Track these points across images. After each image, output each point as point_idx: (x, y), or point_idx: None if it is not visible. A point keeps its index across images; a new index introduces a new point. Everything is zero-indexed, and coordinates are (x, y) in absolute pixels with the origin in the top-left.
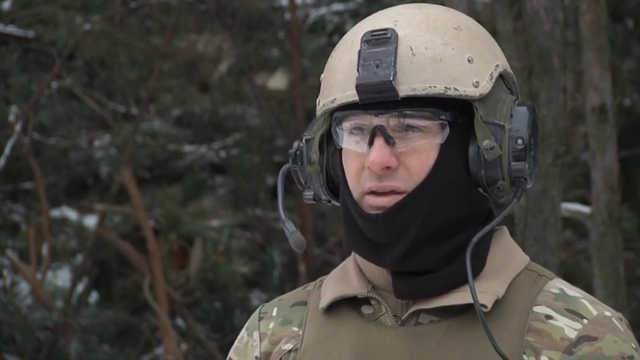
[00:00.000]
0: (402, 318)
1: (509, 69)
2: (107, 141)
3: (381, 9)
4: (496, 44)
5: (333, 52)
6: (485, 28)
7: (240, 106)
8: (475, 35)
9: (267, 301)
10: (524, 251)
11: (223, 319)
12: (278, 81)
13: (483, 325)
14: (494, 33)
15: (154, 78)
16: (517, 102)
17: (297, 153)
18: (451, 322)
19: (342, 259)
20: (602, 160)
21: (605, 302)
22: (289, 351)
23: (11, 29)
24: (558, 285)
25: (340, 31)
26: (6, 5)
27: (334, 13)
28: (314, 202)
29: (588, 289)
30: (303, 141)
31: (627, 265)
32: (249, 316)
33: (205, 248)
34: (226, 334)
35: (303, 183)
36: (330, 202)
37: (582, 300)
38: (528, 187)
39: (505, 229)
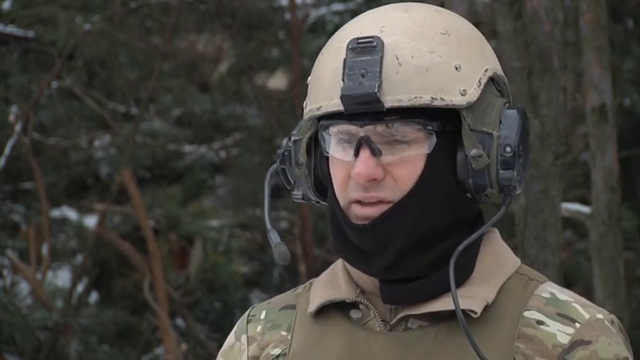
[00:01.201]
0: (391, 323)
1: (499, 71)
2: (107, 141)
3: None
4: (487, 46)
5: (319, 56)
6: (485, 28)
7: (240, 106)
8: (464, 39)
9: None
10: (524, 251)
11: (223, 319)
12: (278, 81)
13: (465, 333)
14: (494, 33)
15: (154, 78)
16: (507, 105)
17: (285, 153)
18: (440, 327)
19: None
20: (602, 160)
21: (605, 302)
22: (277, 356)
23: (11, 29)
24: (549, 289)
25: None
26: (6, 5)
27: (334, 13)
28: (302, 202)
29: (588, 289)
30: (291, 141)
31: (627, 265)
32: None
33: (205, 248)
34: (226, 334)
35: (292, 182)
36: (319, 202)
37: (574, 304)
38: (517, 193)
39: (496, 231)
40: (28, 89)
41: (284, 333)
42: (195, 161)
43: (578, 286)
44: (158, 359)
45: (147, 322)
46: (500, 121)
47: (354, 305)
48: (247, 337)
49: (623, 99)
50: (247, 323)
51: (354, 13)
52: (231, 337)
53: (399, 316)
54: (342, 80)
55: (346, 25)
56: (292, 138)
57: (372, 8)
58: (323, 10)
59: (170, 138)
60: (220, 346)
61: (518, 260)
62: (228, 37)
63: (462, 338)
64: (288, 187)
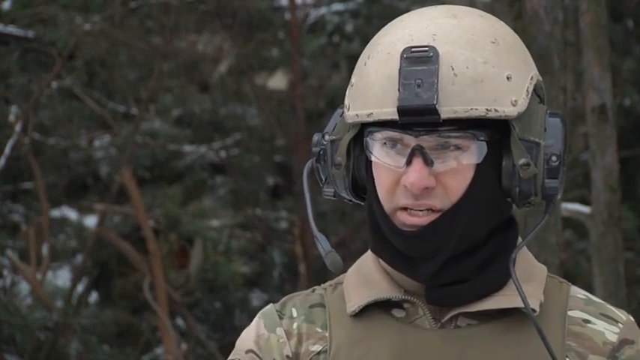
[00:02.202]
0: (442, 321)
1: (539, 76)
2: (107, 141)
3: (381, 10)
4: (527, 51)
5: (366, 60)
6: None
7: (240, 106)
8: (511, 48)
9: (267, 302)
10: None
11: (223, 319)
12: (278, 81)
13: (538, 330)
14: None
15: (154, 78)
16: (548, 112)
17: (321, 152)
18: (493, 325)
19: (342, 259)
20: (602, 160)
21: (605, 302)
22: (318, 353)
23: (11, 29)
24: (580, 291)
25: (340, 31)
26: (6, 5)
27: (334, 13)
28: (333, 199)
29: (588, 289)
30: (327, 140)
31: (627, 265)
32: (249, 316)
33: (205, 248)
34: (226, 334)
35: (323, 179)
36: (351, 201)
37: (608, 305)
38: (558, 198)
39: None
40: (28, 89)
41: (319, 330)
42: (195, 161)
43: (578, 286)
44: (158, 359)
45: (147, 322)
46: (545, 129)
47: (396, 304)
48: (284, 330)
49: (623, 99)
50: (280, 319)
51: (354, 13)
52: (260, 330)
53: (450, 314)
54: (398, 90)
55: (390, 30)
56: (327, 137)
57: (372, 9)
58: (323, 10)
59: (170, 138)
60: (221, 346)
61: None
62: (228, 37)
63: (519, 335)
64: (320, 184)
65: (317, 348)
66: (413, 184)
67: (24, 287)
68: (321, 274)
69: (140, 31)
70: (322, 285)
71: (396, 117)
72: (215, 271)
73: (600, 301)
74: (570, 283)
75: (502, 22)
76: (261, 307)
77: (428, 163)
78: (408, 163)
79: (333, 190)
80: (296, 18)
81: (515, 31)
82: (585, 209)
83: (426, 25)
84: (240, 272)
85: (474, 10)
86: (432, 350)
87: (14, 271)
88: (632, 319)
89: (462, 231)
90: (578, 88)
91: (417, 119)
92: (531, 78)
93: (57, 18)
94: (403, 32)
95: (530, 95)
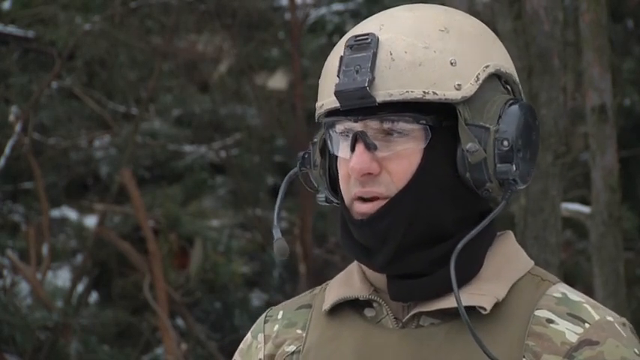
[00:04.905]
0: (403, 320)
1: (505, 68)
2: (107, 141)
3: (381, 9)
4: (495, 45)
5: (328, 57)
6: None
7: (240, 106)
8: (465, 36)
9: (267, 301)
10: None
11: (223, 319)
12: (278, 81)
13: (469, 328)
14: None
15: (154, 78)
16: (510, 102)
17: (306, 156)
18: (452, 324)
19: (343, 259)
20: (602, 160)
21: (605, 302)
22: (292, 353)
23: (11, 29)
24: (561, 289)
25: (340, 31)
26: (6, 5)
27: (334, 13)
28: (327, 204)
29: (588, 289)
30: (311, 144)
31: (627, 265)
32: (249, 316)
33: (205, 248)
34: (226, 334)
35: (315, 185)
36: (339, 204)
37: (585, 304)
38: (520, 188)
39: (510, 233)
40: (28, 89)
41: (299, 331)
42: (195, 161)
43: (578, 286)
44: (158, 359)
45: (147, 322)
46: (500, 117)
47: (369, 304)
48: (264, 335)
49: (623, 99)
50: (265, 323)
51: (354, 13)
52: (248, 337)
53: (410, 314)
54: (338, 77)
55: (355, 27)
56: (313, 141)
57: (371, 8)
58: (323, 10)
59: (170, 138)
60: (221, 346)
61: (532, 262)
62: (228, 37)
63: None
64: (311, 191)
65: (292, 348)
66: (353, 169)
67: (24, 287)
68: (321, 275)
69: (140, 31)
70: (326, 282)
71: (338, 104)
72: (215, 271)
73: (579, 299)
74: (554, 282)
75: (473, 18)
76: (261, 307)
77: (370, 148)
78: (352, 149)
79: (324, 195)
80: (296, 18)
81: (515, 31)
82: (585, 209)
83: (381, 18)
84: (240, 272)
85: (442, 6)
86: (390, 350)
87: (14, 271)
88: (609, 319)
89: (410, 217)
90: (578, 88)
91: (355, 103)
92: (486, 66)
93: (57, 18)
94: (358, 26)
95: (480, 82)
